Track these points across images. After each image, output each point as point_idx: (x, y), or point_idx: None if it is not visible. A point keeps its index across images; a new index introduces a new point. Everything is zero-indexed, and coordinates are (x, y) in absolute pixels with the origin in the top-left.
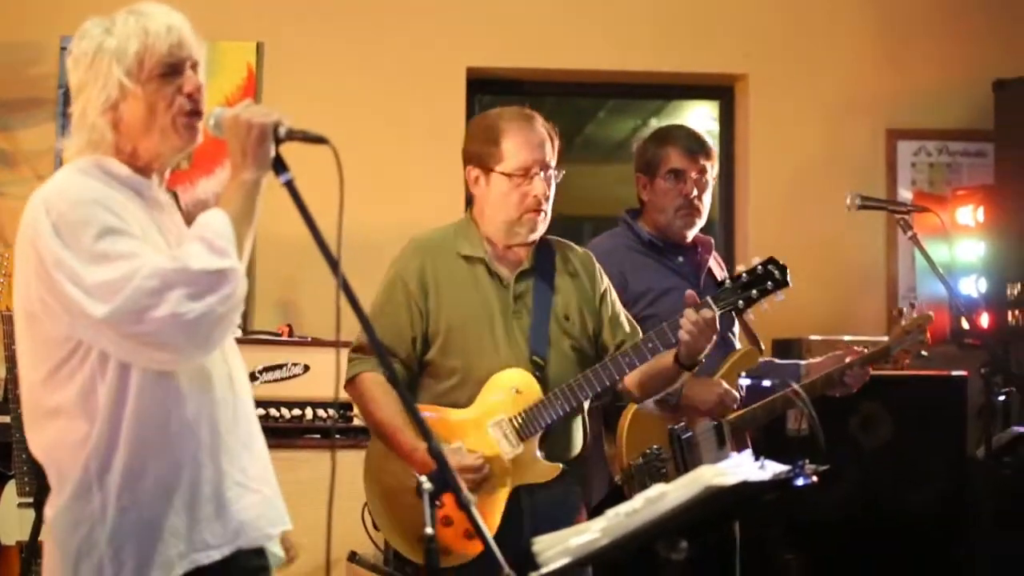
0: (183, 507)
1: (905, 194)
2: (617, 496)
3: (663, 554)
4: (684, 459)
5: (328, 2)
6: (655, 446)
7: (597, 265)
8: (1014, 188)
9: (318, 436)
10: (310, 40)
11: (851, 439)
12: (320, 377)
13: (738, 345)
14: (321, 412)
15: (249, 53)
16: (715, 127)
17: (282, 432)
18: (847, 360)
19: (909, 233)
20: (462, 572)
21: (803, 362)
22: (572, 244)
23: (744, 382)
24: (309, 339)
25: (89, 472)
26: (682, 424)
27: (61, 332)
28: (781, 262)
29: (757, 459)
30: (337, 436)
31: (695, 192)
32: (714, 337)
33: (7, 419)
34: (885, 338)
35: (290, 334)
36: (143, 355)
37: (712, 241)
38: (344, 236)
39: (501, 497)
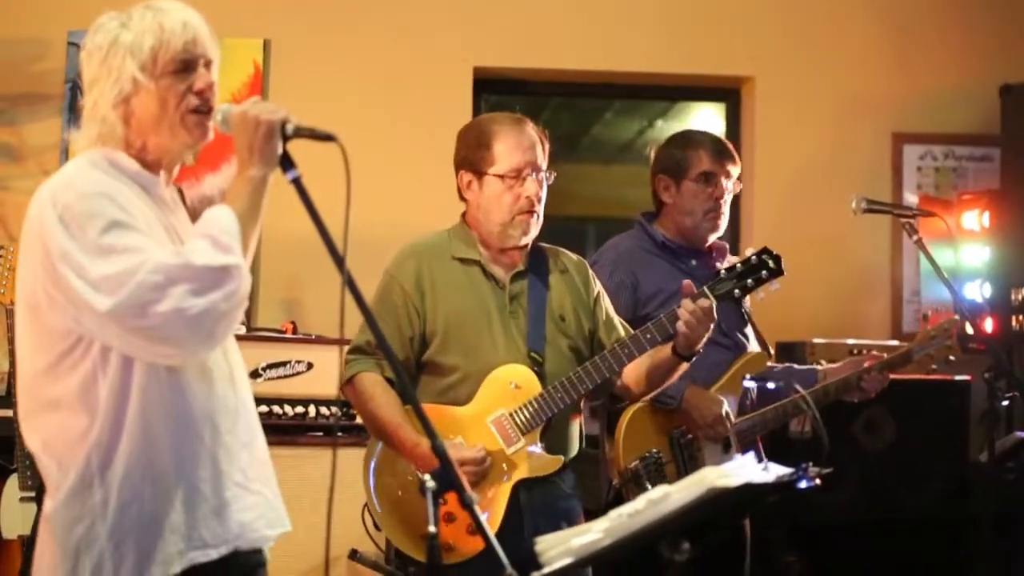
0: (183, 505)
1: (911, 198)
2: (617, 500)
3: (666, 555)
4: (685, 462)
5: (335, 0)
6: (653, 449)
7: (590, 271)
8: (1020, 193)
9: (321, 434)
10: (317, 38)
11: (854, 442)
12: (323, 375)
13: (750, 348)
14: (324, 410)
15: (256, 50)
16: (721, 129)
17: (285, 429)
18: (866, 364)
19: (914, 237)
20: (464, 570)
21: (820, 367)
22: (565, 250)
23: (750, 384)
24: (313, 336)
25: (91, 466)
26: (682, 427)
27: (64, 324)
28: (775, 252)
29: (760, 461)
30: (340, 434)
31: (724, 196)
32: (711, 326)
33: (9, 413)
34: (892, 342)
35: (294, 331)
36: (146, 349)
37: (727, 247)
38: (350, 234)
39: (504, 492)
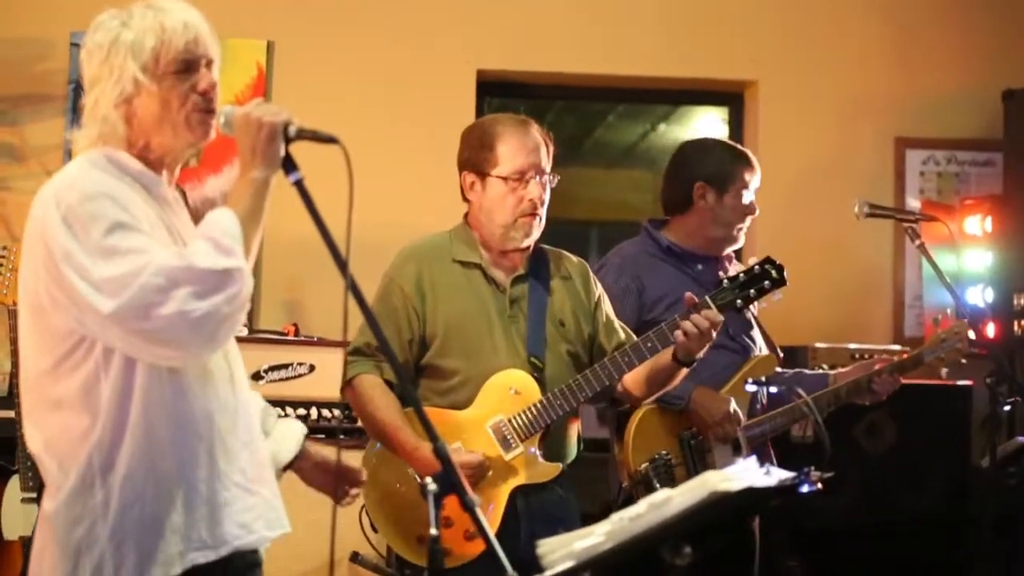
0: (183, 505)
1: (913, 203)
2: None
3: (667, 559)
4: (695, 464)
5: (338, 2)
6: (663, 451)
7: (591, 273)
8: (1022, 198)
9: (323, 436)
10: (320, 39)
11: (856, 446)
12: (326, 377)
13: (757, 351)
14: (326, 412)
15: (259, 51)
16: (724, 133)
17: None
18: (877, 367)
19: (917, 242)
20: (462, 573)
21: (831, 372)
22: (566, 253)
23: (752, 388)
24: (315, 339)
25: (92, 467)
26: (692, 429)
27: (67, 325)
28: (778, 261)
29: (770, 465)
30: (342, 436)
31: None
32: (714, 335)
33: (10, 414)
34: (894, 347)
35: (296, 334)
36: (148, 351)
37: (733, 256)
38: (352, 236)
39: (501, 498)
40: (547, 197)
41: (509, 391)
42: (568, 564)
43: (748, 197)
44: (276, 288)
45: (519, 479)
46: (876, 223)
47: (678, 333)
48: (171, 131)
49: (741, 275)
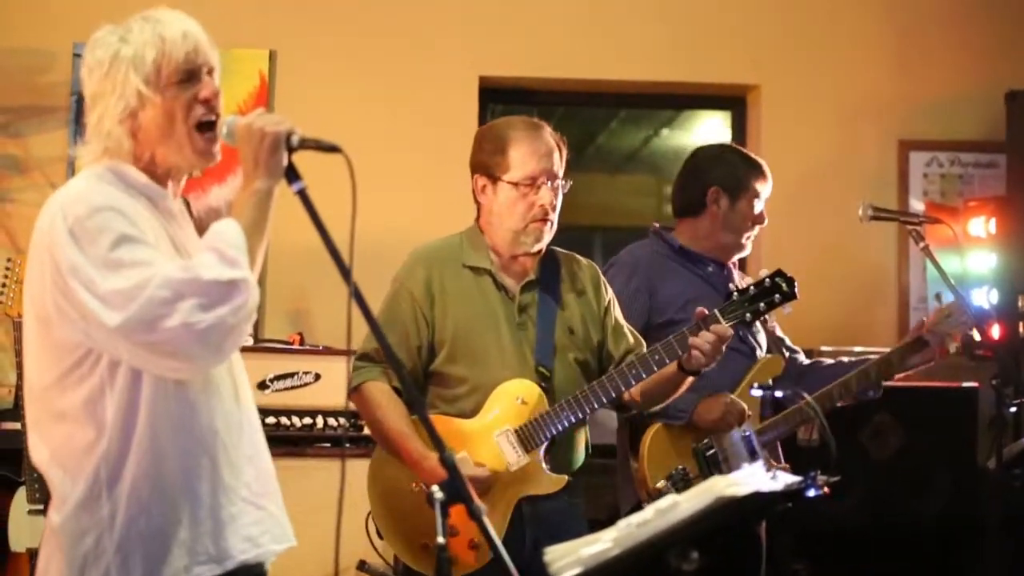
0: (189, 519)
1: (917, 205)
2: None
3: (674, 565)
4: (713, 474)
5: (340, 10)
6: (680, 466)
7: (602, 277)
8: None
9: (329, 445)
10: (322, 48)
11: (862, 450)
12: (331, 386)
13: (760, 353)
14: (332, 421)
15: (261, 61)
16: (727, 137)
17: (293, 441)
18: (926, 327)
19: (921, 244)
20: None
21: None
22: (577, 256)
23: (756, 393)
24: (320, 348)
25: (99, 479)
26: (705, 442)
27: (73, 337)
28: (789, 274)
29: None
30: (348, 445)
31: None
32: (723, 349)
33: (17, 426)
34: None
35: (301, 343)
36: (155, 363)
37: (737, 263)
38: (356, 244)
39: (505, 508)
40: (559, 202)
41: (516, 401)
42: (576, 571)
43: (759, 207)
44: (281, 297)
45: (524, 490)
46: (880, 226)
47: (696, 353)
48: (176, 143)
49: (751, 288)
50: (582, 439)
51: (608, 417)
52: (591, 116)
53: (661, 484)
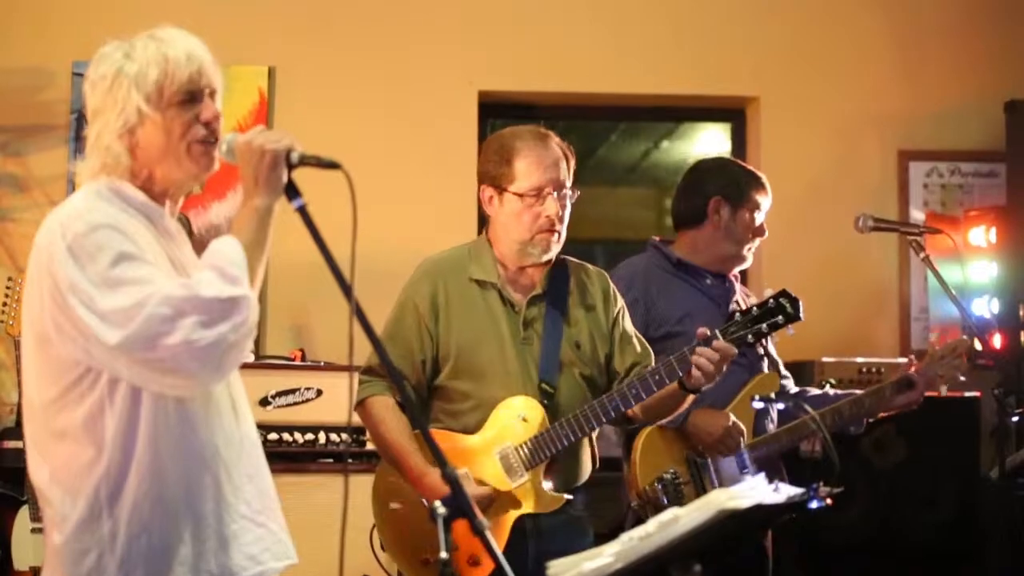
0: (190, 537)
1: (917, 215)
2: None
3: None
4: (704, 483)
5: (339, 26)
6: (671, 470)
7: (612, 286)
8: None
9: (331, 460)
10: (321, 64)
11: (864, 460)
12: (333, 401)
13: (762, 367)
14: (334, 436)
15: (261, 77)
16: (727, 149)
17: (295, 457)
18: (915, 365)
19: (922, 254)
20: None
21: (833, 391)
22: (587, 265)
23: (757, 405)
24: (322, 363)
25: (99, 498)
26: (698, 447)
27: (73, 355)
28: (794, 295)
29: (772, 482)
30: (350, 460)
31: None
32: (724, 368)
33: (20, 444)
34: (900, 360)
35: (303, 359)
36: (156, 381)
37: (739, 275)
38: (356, 261)
39: (505, 526)
40: (567, 213)
41: (518, 418)
42: None
43: (759, 218)
44: (282, 313)
45: (524, 508)
46: (881, 236)
47: (695, 372)
48: (174, 161)
49: (754, 308)
50: (587, 453)
51: (615, 431)
52: (591, 129)
53: (651, 487)
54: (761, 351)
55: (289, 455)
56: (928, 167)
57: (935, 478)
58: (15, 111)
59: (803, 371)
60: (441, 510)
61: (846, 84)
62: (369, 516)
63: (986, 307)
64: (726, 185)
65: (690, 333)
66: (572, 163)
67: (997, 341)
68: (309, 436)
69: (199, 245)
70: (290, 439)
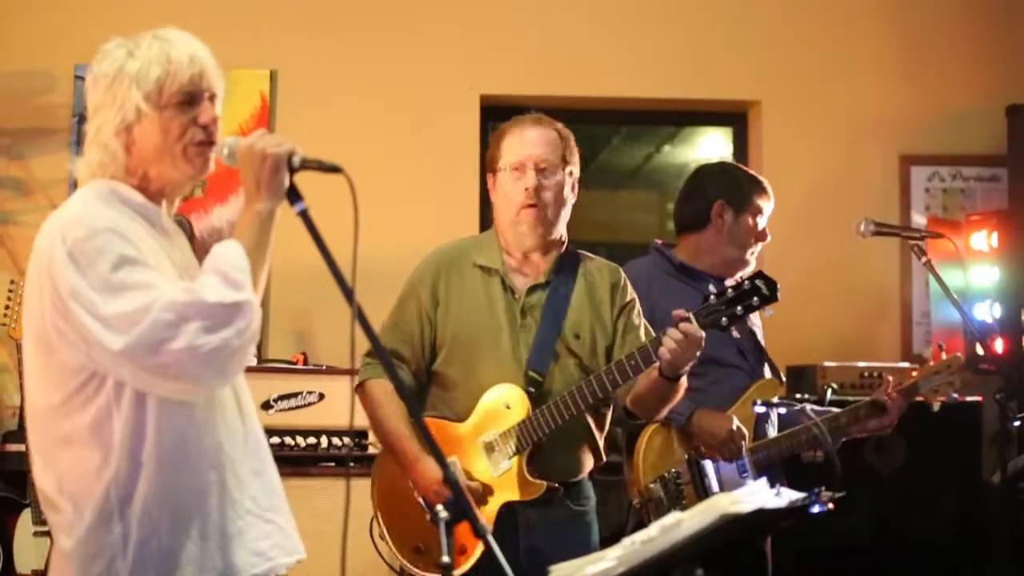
0: (199, 536)
1: (919, 219)
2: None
3: None
4: (704, 484)
5: (341, 30)
6: (673, 469)
7: (624, 279)
8: None
9: (333, 464)
10: (323, 68)
11: (866, 465)
12: (335, 405)
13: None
14: (336, 440)
15: (262, 81)
16: (729, 154)
17: (297, 460)
18: (889, 391)
19: (923, 259)
20: None
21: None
22: (600, 259)
23: (759, 409)
24: (324, 367)
25: (110, 503)
26: (700, 448)
27: (76, 360)
28: (770, 277)
29: (773, 486)
30: (352, 464)
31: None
32: (698, 352)
33: (22, 448)
34: (902, 364)
35: (305, 362)
36: (160, 386)
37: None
38: (358, 265)
39: (489, 515)
40: (556, 190)
41: (503, 405)
42: None
43: (762, 223)
44: (284, 317)
45: (508, 495)
46: (882, 241)
47: (663, 350)
48: (169, 161)
49: (729, 291)
50: (585, 448)
51: (620, 433)
52: (592, 133)
53: (652, 485)
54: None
55: (291, 459)
56: (930, 171)
57: (936, 483)
58: (17, 114)
59: (805, 375)
60: (443, 514)
61: (848, 88)
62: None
63: (988, 311)
64: (729, 189)
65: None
66: (570, 148)
67: (999, 345)
68: (311, 440)
69: (201, 248)
70: (292, 443)
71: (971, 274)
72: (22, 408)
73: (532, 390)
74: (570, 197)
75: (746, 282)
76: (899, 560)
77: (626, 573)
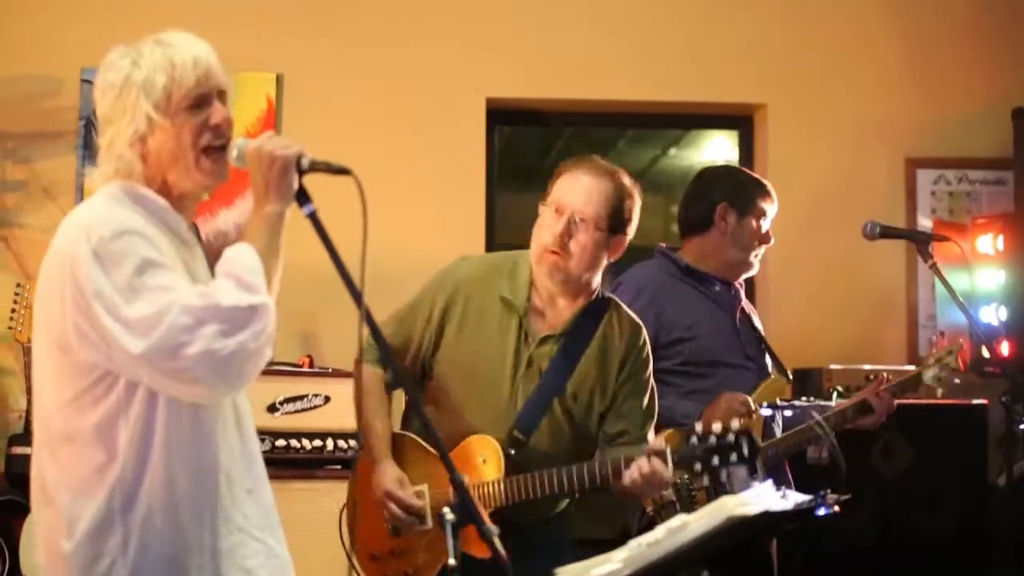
0: (196, 547)
1: (925, 223)
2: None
3: None
4: (716, 488)
5: (347, 33)
6: (684, 476)
7: (643, 339)
8: None
9: (339, 467)
10: (329, 71)
11: (872, 468)
12: (341, 408)
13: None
14: (342, 443)
15: (269, 84)
16: (734, 157)
17: (303, 463)
18: (879, 390)
19: (929, 262)
20: None
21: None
22: (626, 312)
23: (765, 412)
24: (330, 370)
25: (112, 505)
26: None
27: (91, 359)
28: (756, 440)
29: (779, 489)
30: None
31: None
32: (662, 492)
33: (28, 450)
34: (908, 367)
35: (311, 365)
36: (177, 389)
37: (744, 284)
38: (366, 267)
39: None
40: (584, 248)
41: (480, 458)
42: None
43: (765, 225)
44: (290, 320)
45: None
46: (888, 244)
47: (625, 474)
48: (184, 168)
49: (714, 437)
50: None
51: None
52: (598, 136)
53: (665, 492)
54: (768, 356)
55: (297, 461)
56: (936, 174)
57: (942, 485)
58: (24, 118)
59: (810, 378)
60: (449, 516)
61: (853, 91)
62: None
63: (994, 315)
64: (732, 192)
65: (700, 339)
66: (625, 209)
67: (1005, 348)
68: (317, 443)
69: (208, 252)
70: (298, 446)
71: (977, 277)
72: (28, 411)
73: (512, 451)
74: (603, 257)
75: (732, 435)
76: (904, 562)
77: (632, 575)
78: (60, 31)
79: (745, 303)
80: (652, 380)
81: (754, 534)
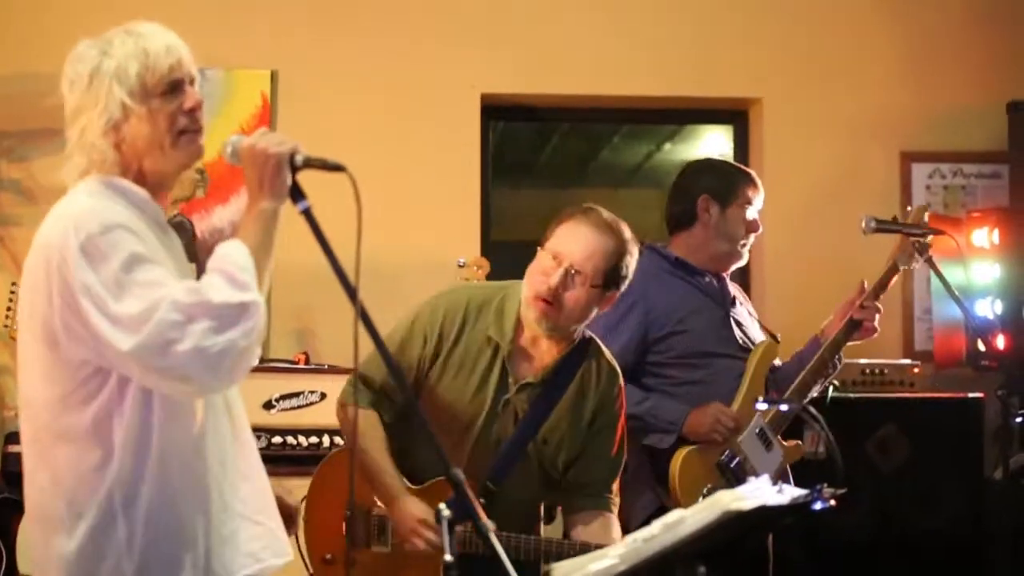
0: (200, 538)
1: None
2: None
3: None
4: (740, 481)
5: (341, 29)
6: (708, 485)
7: (619, 388)
8: None
9: None
10: (323, 68)
11: (868, 462)
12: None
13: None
14: (338, 439)
15: (263, 81)
16: (730, 152)
17: (300, 460)
18: (858, 301)
19: (924, 256)
20: None
21: (819, 336)
22: (606, 358)
23: (761, 407)
24: (326, 367)
25: (113, 502)
26: (726, 453)
27: (81, 355)
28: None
29: (775, 483)
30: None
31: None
32: None
33: None
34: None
35: (307, 362)
36: (167, 385)
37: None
38: (361, 263)
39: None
40: (576, 301)
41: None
42: None
43: (751, 213)
44: (286, 317)
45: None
46: (884, 237)
47: None
48: (160, 152)
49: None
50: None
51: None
52: (594, 131)
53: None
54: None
55: (293, 458)
56: (931, 168)
57: (939, 479)
58: (19, 116)
59: None
60: (446, 512)
61: (849, 86)
62: None
63: (989, 308)
64: (713, 183)
65: (691, 332)
66: (621, 267)
67: (1000, 342)
68: (313, 439)
69: (203, 249)
70: (294, 442)
71: (972, 271)
72: None
73: (482, 501)
74: (594, 311)
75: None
76: (901, 556)
77: (629, 571)
78: (56, 30)
79: (738, 293)
80: (623, 429)
81: (750, 529)
